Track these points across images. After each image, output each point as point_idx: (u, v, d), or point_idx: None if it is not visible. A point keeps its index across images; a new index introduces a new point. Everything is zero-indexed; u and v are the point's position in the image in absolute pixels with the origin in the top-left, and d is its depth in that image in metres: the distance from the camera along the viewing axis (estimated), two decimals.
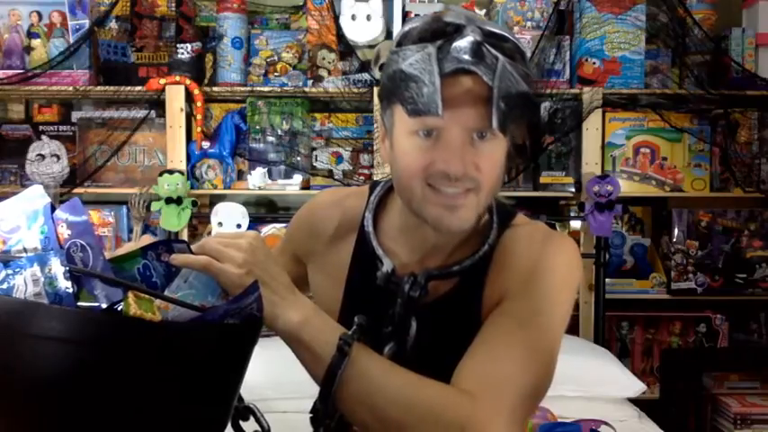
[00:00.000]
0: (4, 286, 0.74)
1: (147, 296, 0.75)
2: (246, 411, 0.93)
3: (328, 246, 1.18)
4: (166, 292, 0.84)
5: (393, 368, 0.93)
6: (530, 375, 0.96)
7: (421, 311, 1.04)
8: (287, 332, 0.91)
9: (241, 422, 0.95)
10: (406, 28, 1.01)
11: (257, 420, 0.94)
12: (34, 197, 0.83)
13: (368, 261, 1.11)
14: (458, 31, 0.96)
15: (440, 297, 1.07)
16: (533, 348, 0.98)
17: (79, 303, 0.77)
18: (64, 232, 0.80)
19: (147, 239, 0.91)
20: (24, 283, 0.74)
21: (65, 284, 0.75)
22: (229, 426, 0.91)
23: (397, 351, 1.03)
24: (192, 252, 0.89)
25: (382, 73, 1.03)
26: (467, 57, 0.94)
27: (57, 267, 0.75)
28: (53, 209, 0.83)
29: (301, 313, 0.91)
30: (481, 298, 1.05)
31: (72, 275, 0.76)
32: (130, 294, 0.73)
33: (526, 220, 1.14)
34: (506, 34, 0.98)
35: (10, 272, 0.74)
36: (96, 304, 0.77)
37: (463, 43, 0.94)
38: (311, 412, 1.09)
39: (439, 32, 0.96)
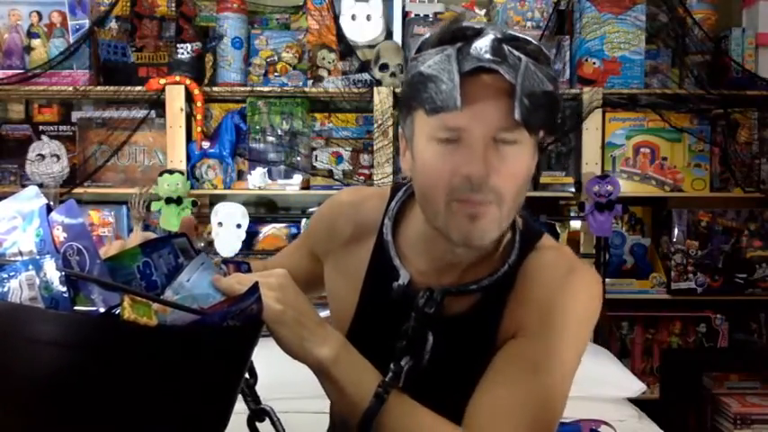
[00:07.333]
0: None
1: (143, 300, 0.74)
2: (263, 413, 0.94)
3: (345, 247, 1.17)
4: (167, 291, 0.83)
5: (419, 410, 0.95)
6: (538, 422, 0.97)
7: (436, 327, 1.03)
8: (318, 367, 0.92)
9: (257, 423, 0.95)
10: (426, 36, 1.00)
11: (273, 424, 0.93)
12: (30, 198, 0.82)
13: (385, 270, 1.10)
14: (478, 34, 0.95)
15: (457, 314, 1.06)
16: (544, 397, 0.98)
17: (76, 308, 0.76)
18: (60, 235, 0.79)
19: (137, 238, 0.90)
20: (20, 287, 0.73)
21: (61, 288, 0.74)
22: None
23: (414, 365, 1.02)
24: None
25: (402, 83, 1.02)
26: (487, 56, 0.92)
27: (52, 271, 0.74)
28: (49, 210, 0.82)
29: (332, 348, 0.92)
30: (499, 322, 1.03)
31: (68, 279, 0.75)
32: (126, 298, 0.72)
33: (552, 243, 1.11)
34: (530, 38, 0.96)
35: (5, 275, 0.74)
36: (93, 308, 0.77)
37: (483, 42, 0.93)
38: None
39: (459, 35, 0.95)
